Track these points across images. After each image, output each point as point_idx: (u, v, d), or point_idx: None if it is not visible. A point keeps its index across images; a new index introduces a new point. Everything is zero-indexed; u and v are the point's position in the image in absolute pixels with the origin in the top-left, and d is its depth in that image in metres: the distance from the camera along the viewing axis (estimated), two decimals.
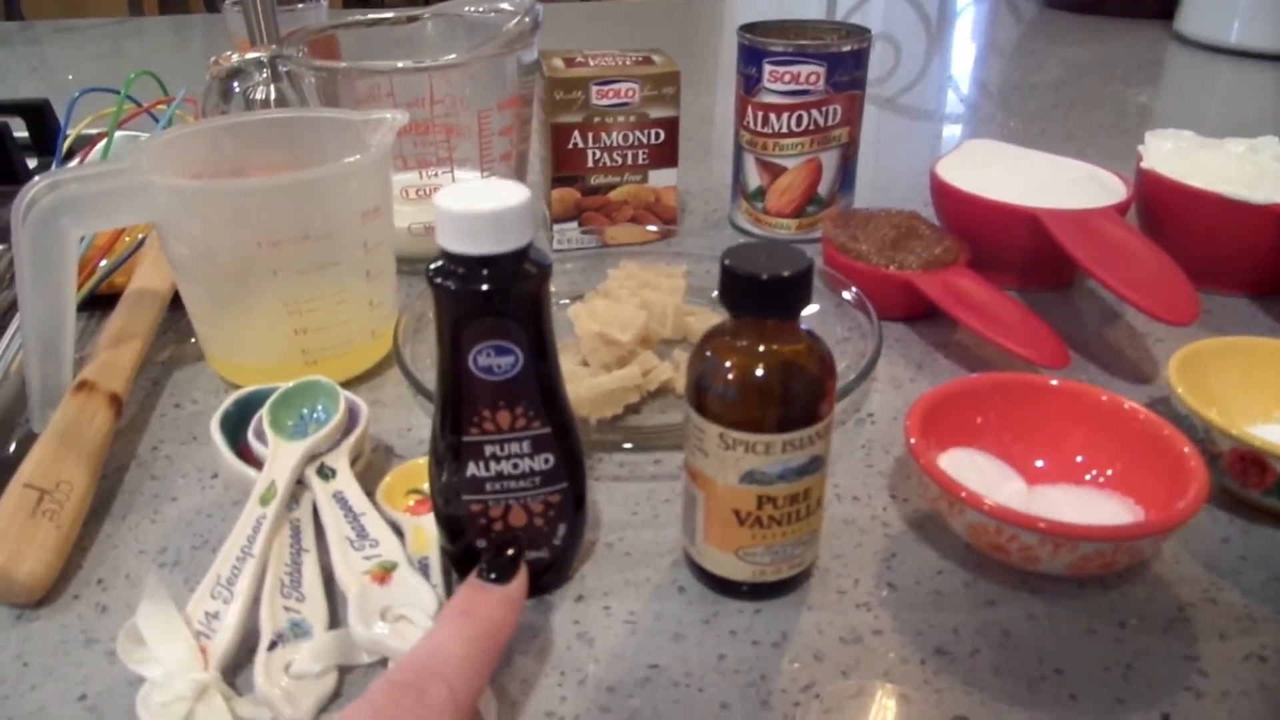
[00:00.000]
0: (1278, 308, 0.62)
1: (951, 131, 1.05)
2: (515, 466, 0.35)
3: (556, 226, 0.68)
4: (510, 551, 0.35)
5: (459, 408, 0.34)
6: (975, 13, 1.69)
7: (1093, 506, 0.41)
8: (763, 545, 0.37)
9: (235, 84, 0.61)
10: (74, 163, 0.64)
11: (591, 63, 0.65)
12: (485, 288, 0.32)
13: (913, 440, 0.40)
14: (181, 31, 1.50)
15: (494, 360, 0.33)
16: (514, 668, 0.36)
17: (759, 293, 0.33)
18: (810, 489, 0.36)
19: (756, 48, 0.66)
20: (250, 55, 0.60)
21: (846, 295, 0.57)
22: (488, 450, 0.35)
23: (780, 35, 0.67)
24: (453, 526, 0.37)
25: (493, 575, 0.34)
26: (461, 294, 0.32)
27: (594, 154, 0.66)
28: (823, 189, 0.70)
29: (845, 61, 0.66)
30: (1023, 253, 0.61)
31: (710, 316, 0.57)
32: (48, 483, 0.40)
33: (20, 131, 0.79)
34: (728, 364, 0.34)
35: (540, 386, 0.35)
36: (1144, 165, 0.64)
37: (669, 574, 0.40)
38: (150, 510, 0.44)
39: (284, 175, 0.48)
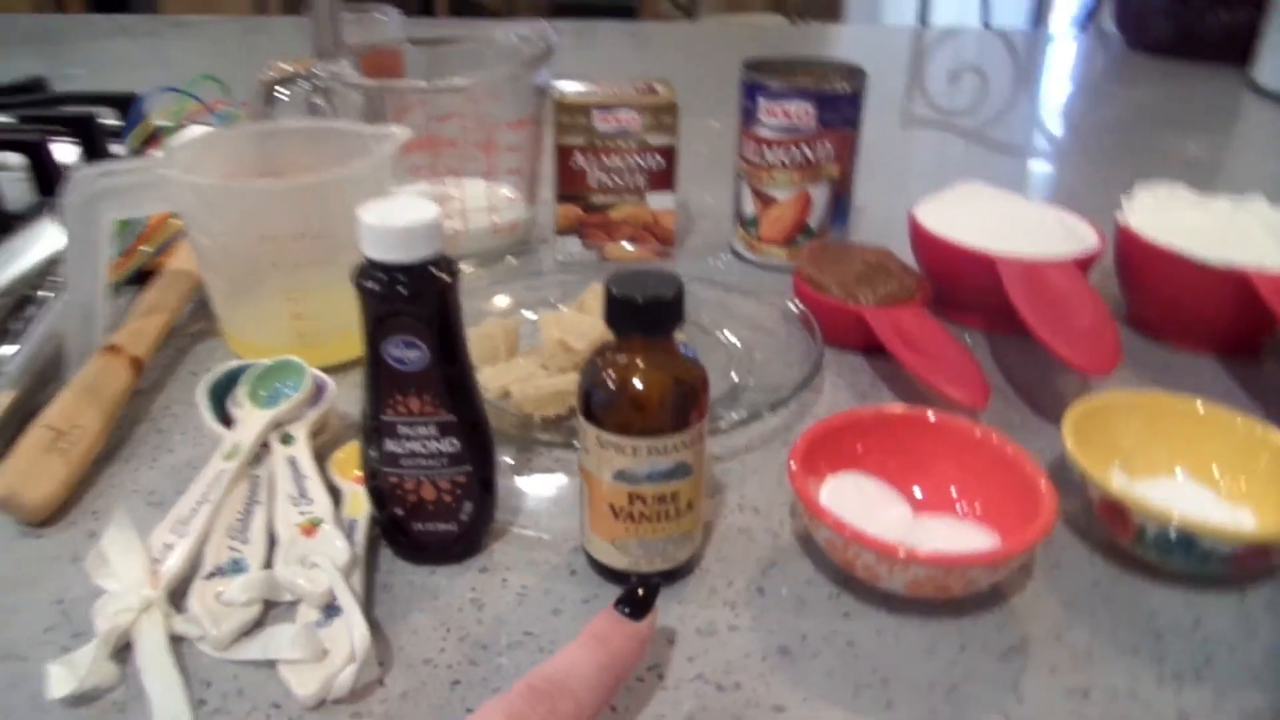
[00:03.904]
0: (1242, 370, 0.63)
1: (1003, 165, 1.07)
2: (424, 447, 0.41)
3: (559, 239, 0.74)
4: (642, 591, 0.38)
5: (378, 391, 0.41)
6: (1064, 48, 1.68)
7: (963, 537, 0.44)
8: (635, 539, 0.42)
9: (280, 92, 0.69)
10: (152, 152, 0.73)
11: (598, 90, 0.71)
12: (394, 290, 0.38)
13: (792, 463, 0.44)
14: (292, 33, 1.62)
15: (403, 353, 0.39)
16: (409, 620, 0.41)
17: (632, 313, 0.38)
18: (678, 492, 0.41)
19: (754, 83, 0.71)
20: (288, 69, 0.67)
21: (805, 323, 0.61)
22: (400, 430, 0.41)
23: (778, 73, 0.71)
24: (377, 496, 0.43)
25: (628, 610, 0.37)
26: (376, 294, 0.38)
27: (595, 175, 0.71)
28: (812, 221, 0.74)
29: (837, 101, 0.70)
30: (983, 296, 0.63)
31: (680, 333, 0.62)
32: (65, 425, 0.48)
33: (113, 119, 0.89)
34: (606, 374, 0.39)
35: (445, 378, 0.40)
36: (1120, 219, 0.66)
37: (567, 558, 0.45)
38: (150, 459, 0.51)
39: (284, 180, 0.55)
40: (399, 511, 0.43)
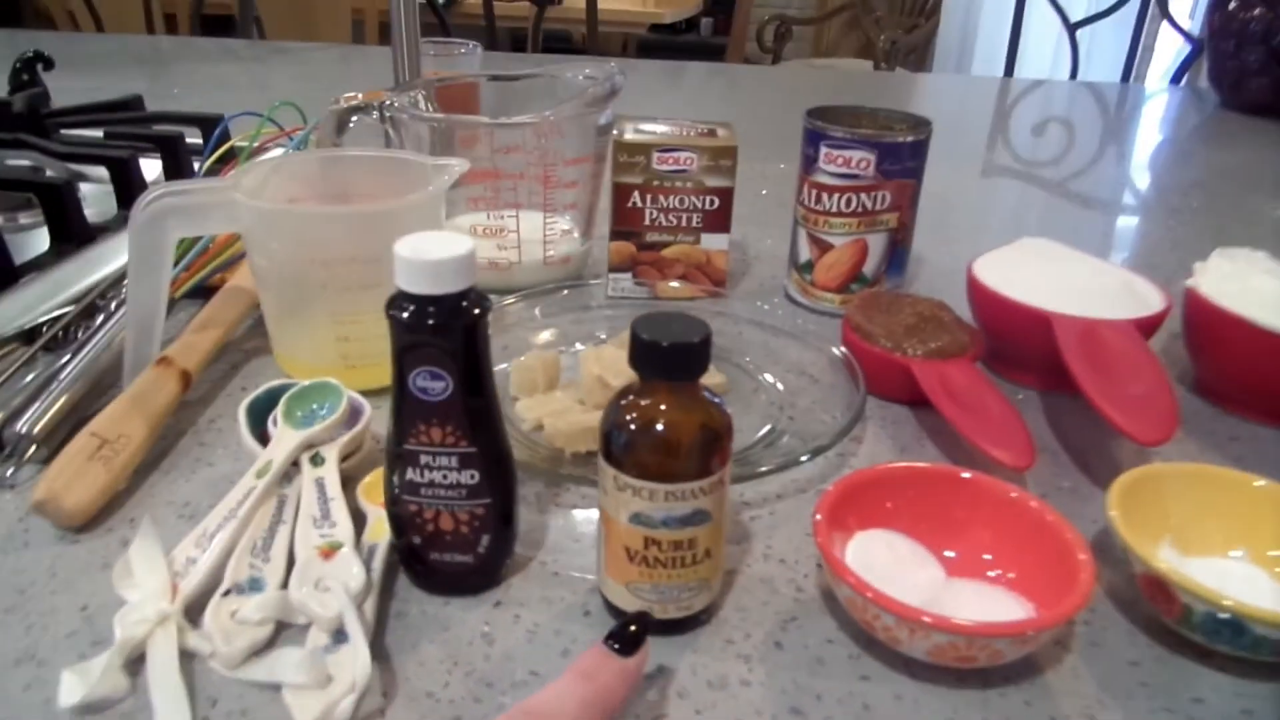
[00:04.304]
0: None
1: (1082, 219, 1.04)
2: (445, 477, 0.41)
3: (612, 275, 0.74)
4: (634, 627, 0.37)
5: (402, 420, 0.41)
6: (1155, 104, 1.64)
7: (994, 605, 0.43)
8: (650, 583, 0.41)
9: (352, 120, 0.71)
10: (230, 172, 0.75)
11: (659, 131, 0.71)
12: (422, 321, 0.39)
13: (818, 515, 0.43)
14: (385, 61, 1.67)
15: (428, 383, 0.40)
16: (418, 651, 0.41)
17: (657, 357, 0.38)
18: (696, 539, 0.40)
19: (816, 130, 0.70)
20: (359, 98, 0.69)
21: (850, 372, 0.60)
22: (422, 459, 0.41)
23: (842, 121, 0.70)
24: (396, 523, 0.43)
25: (617, 646, 0.36)
26: (405, 324, 0.39)
27: (651, 214, 0.72)
28: (868, 269, 0.72)
29: (898, 151, 0.69)
30: (1039, 354, 0.61)
31: (714, 374, 0.61)
32: (110, 433, 0.50)
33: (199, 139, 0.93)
34: (627, 416, 0.39)
35: (469, 411, 0.40)
36: (1189, 283, 0.63)
37: (582, 598, 0.45)
38: (189, 471, 0.52)
39: (338, 207, 0.56)
40: (416, 540, 0.43)
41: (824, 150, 0.70)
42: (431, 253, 0.38)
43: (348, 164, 0.64)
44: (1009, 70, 1.91)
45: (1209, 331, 0.62)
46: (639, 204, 0.71)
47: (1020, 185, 1.14)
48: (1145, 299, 0.63)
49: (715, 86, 1.62)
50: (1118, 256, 0.93)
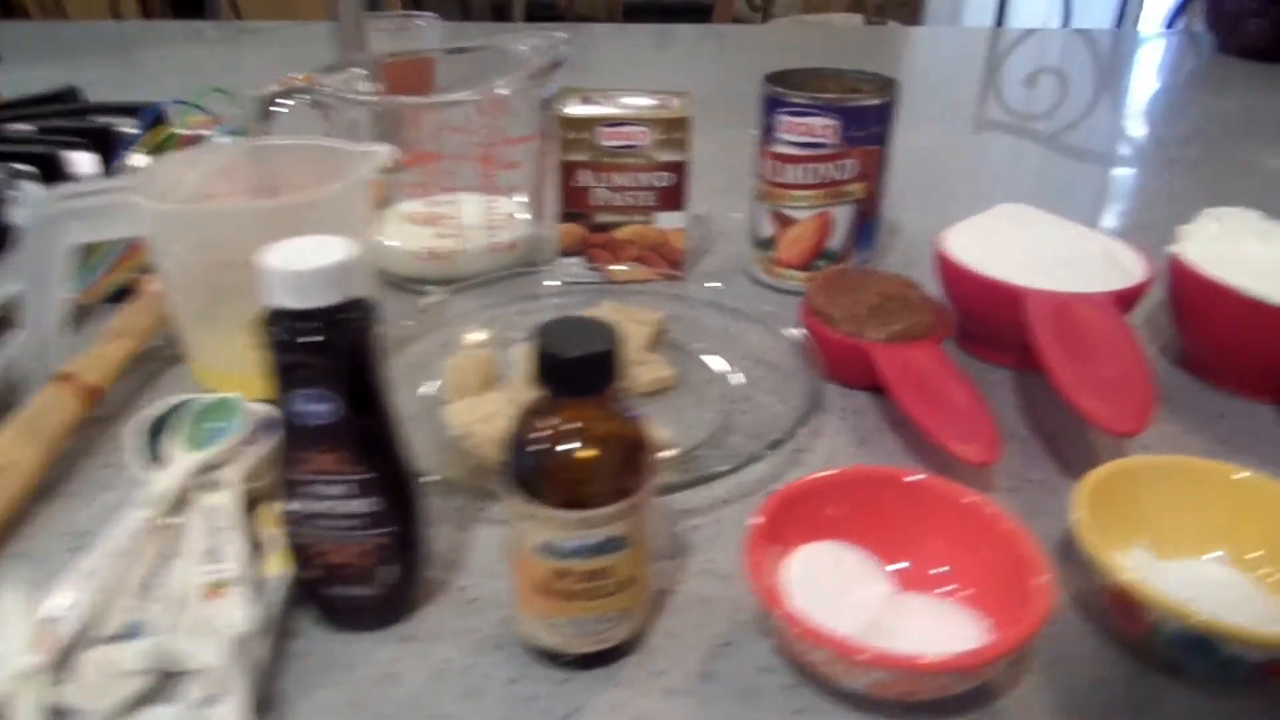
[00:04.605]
0: None
1: (1075, 173, 0.99)
2: (339, 506, 0.38)
3: (562, 260, 0.70)
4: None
5: (289, 446, 0.37)
6: (1150, 50, 1.57)
7: (946, 625, 0.39)
8: (565, 617, 0.37)
9: (281, 105, 0.66)
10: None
11: (606, 104, 0.66)
12: (298, 339, 0.35)
13: (750, 534, 0.39)
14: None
15: (310, 406, 0.36)
16: (316, 696, 0.38)
17: (561, 371, 0.34)
18: (612, 567, 0.36)
19: (774, 97, 0.66)
20: (297, 80, 0.65)
21: (808, 359, 0.56)
22: (313, 488, 0.37)
23: (801, 86, 0.66)
24: (294, 555, 0.40)
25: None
26: (277, 343, 0.35)
27: (600, 193, 0.67)
28: (834, 244, 0.68)
29: (863, 116, 0.64)
30: (1013, 332, 0.57)
31: (661, 368, 0.57)
32: None
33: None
34: (529, 437, 0.35)
35: (361, 434, 0.37)
36: (1173, 249, 0.59)
37: (497, 629, 0.41)
38: (89, 497, 0.49)
39: (241, 204, 0.52)
40: (314, 573, 0.40)
41: (783, 119, 0.65)
42: (302, 262, 0.34)
43: (273, 154, 0.60)
44: (999, 20, 1.84)
45: (1193, 301, 0.57)
46: (586, 183, 0.67)
47: (1013, 140, 1.08)
48: (1127, 268, 0.59)
49: (705, 49, 1.56)
50: (1112, 213, 0.88)
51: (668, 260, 0.70)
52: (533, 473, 0.35)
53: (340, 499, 0.37)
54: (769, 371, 0.59)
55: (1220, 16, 1.39)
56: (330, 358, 0.35)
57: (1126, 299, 0.55)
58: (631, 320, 0.61)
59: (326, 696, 0.38)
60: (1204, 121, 1.15)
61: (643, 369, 0.57)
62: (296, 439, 0.37)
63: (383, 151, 0.56)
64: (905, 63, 1.50)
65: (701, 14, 2.69)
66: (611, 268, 0.69)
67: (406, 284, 0.69)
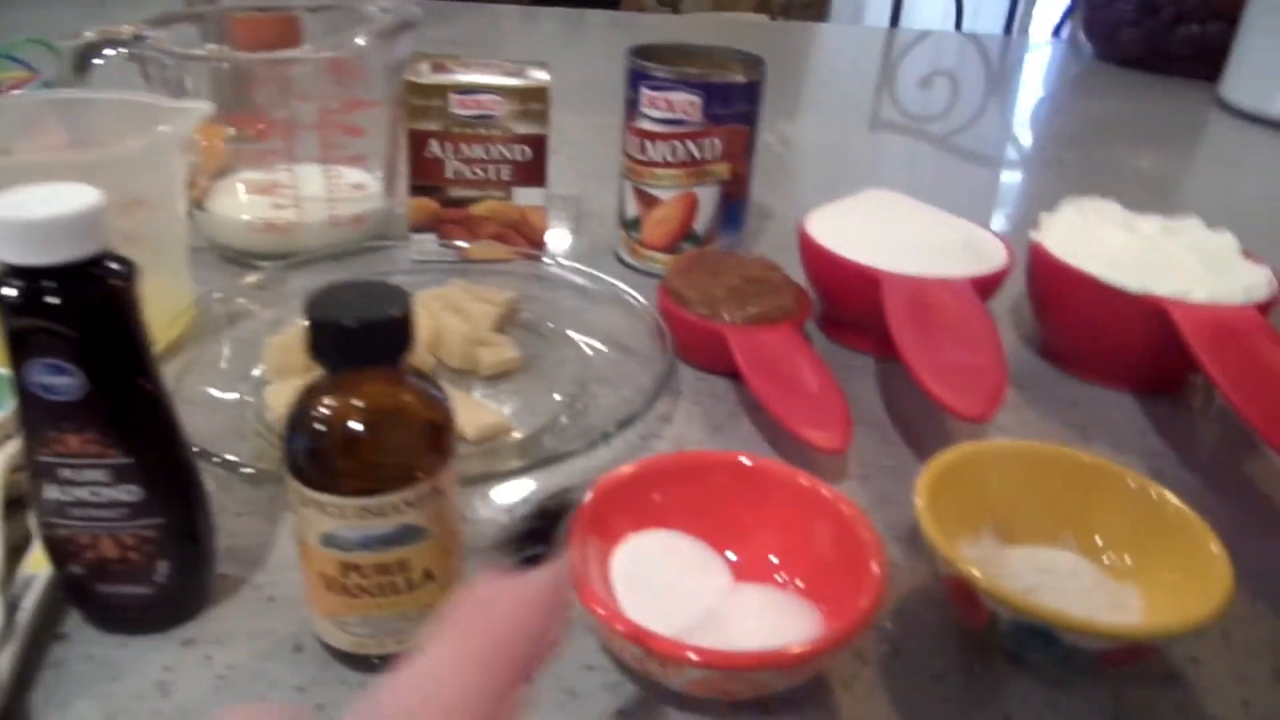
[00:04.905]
0: (1160, 407, 0.55)
1: (959, 172, 0.99)
2: (95, 494, 0.33)
3: (414, 236, 0.65)
4: (541, 521, 0.25)
5: (29, 424, 0.32)
6: (1037, 57, 1.60)
7: (781, 618, 0.36)
8: (357, 615, 0.33)
9: (99, 58, 0.60)
10: None
11: (460, 71, 0.62)
12: (33, 300, 0.30)
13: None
14: None
15: (50, 379, 0.31)
16: (69, 710, 0.33)
17: (340, 341, 0.30)
18: (408, 560, 0.33)
19: (637, 70, 0.63)
20: (123, 31, 0.59)
21: (661, 343, 0.53)
22: (62, 473, 0.33)
23: (665, 60, 0.63)
24: (50, 549, 0.35)
25: (523, 554, 0.24)
26: (9, 305, 0.30)
27: (453, 165, 0.63)
28: (699, 226, 0.65)
29: (727, 93, 0.62)
30: (873, 317, 0.55)
31: (508, 350, 0.54)
32: None
33: None
34: (308, 416, 0.31)
35: (114, 412, 0.32)
36: (1033, 235, 0.58)
37: (296, 628, 0.37)
38: None
39: (30, 158, 0.46)
40: (78, 570, 0.35)
41: (645, 93, 0.62)
42: (35, 210, 0.29)
43: (81, 109, 0.54)
44: (894, 20, 1.86)
45: (1050, 287, 0.57)
46: (438, 154, 0.63)
47: (908, 141, 1.08)
48: (989, 255, 0.58)
49: (615, 37, 1.53)
50: (991, 210, 0.88)
51: (528, 239, 0.66)
52: (308, 456, 0.31)
53: (96, 486, 0.33)
54: (624, 355, 0.56)
55: (1097, 25, 1.42)
56: (70, 324, 0.30)
57: (986, 285, 0.54)
58: (480, 300, 0.57)
59: (81, 710, 0.33)
60: (1082, 125, 1.18)
61: (488, 350, 0.53)
62: (38, 416, 0.32)
63: (199, 107, 0.51)
64: (809, 60, 1.50)
65: (611, 4, 2.66)
66: (466, 245, 0.65)
67: (243, 258, 0.64)
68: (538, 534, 0.25)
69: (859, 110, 1.19)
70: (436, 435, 0.32)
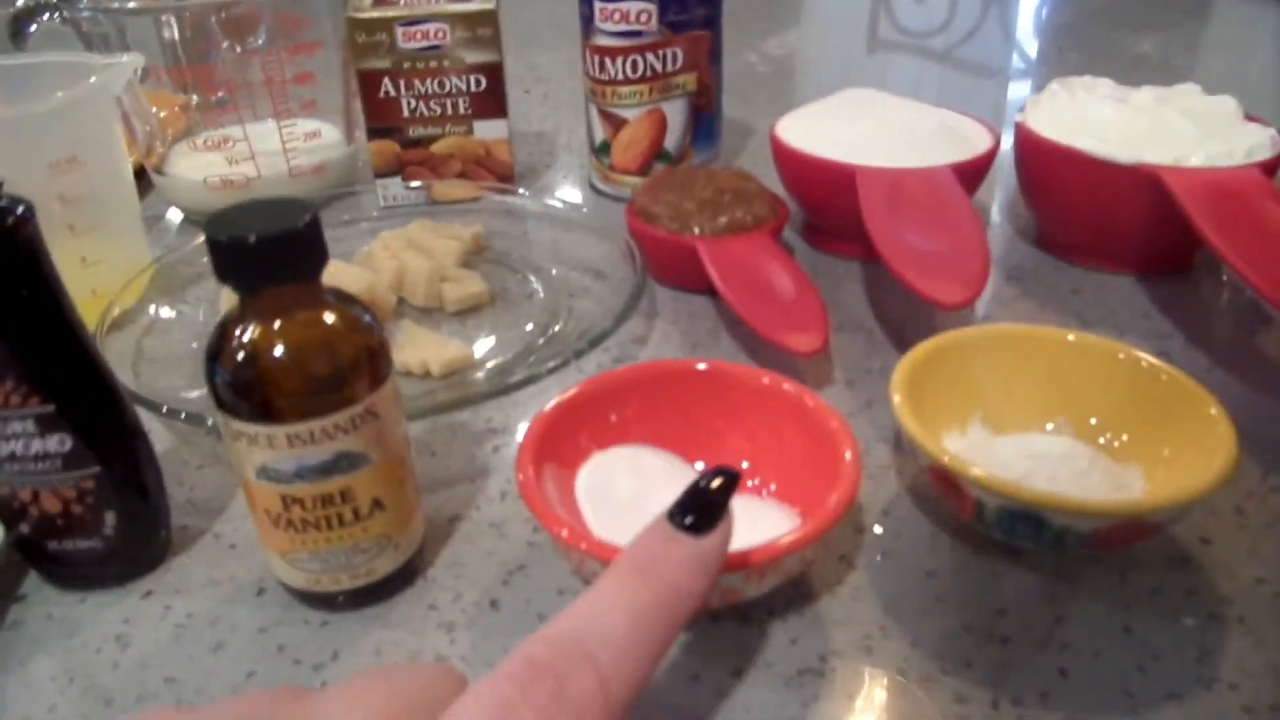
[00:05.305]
0: (1166, 289, 0.52)
1: (953, 79, 0.95)
2: (27, 447, 0.32)
3: (379, 181, 0.63)
4: (716, 483, 0.25)
5: None
6: None
7: (757, 523, 0.34)
8: (306, 551, 0.32)
9: (30, 25, 0.59)
10: None
11: (403, 2, 0.60)
12: None
13: (524, 440, 0.34)
14: None
15: None
16: (27, 668, 0.32)
17: (243, 259, 0.28)
18: (351, 489, 0.31)
19: None
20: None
21: (631, 263, 0.51)
22: None
23: None
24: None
25: (688, 520, 0.24)
26: None
27: (409, 103, 0.61)
28: (670, 143, 0.63)
29: None
30: (852, 218, 0.52)
31: (474, 283, 0.52)
32: None
33: None
34: (228, 345, 0.30)
35: (28, 359, 0.31)
36: (1018, 118, 0.55)
37: (259, 573, 0.36)
38: None
39: None
40: (24, 529, 0.34)
41: (598, 5, 0.59)
42: None
43: (18, 75, 0.52)
44: None
45: (1039, 169, 0.54)
46: (391, 92, 0.60)
47: (906, 58, 1.04)
48: (973, 143, 0.55)
49: None
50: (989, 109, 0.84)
51: (495, 174, 0.64)
52: (230, 387, 0.29)
53: (25, 438, 0.31)
54: (597, 281, 0.54)
55: None
56: None
57: (968, 171, 0.51)
58: (443, 236, 0.55)
59: (39, 667, 0.32)
60: (1083, 15, 1.13)
61: (453, 285, 0.51)
62: None
63: (127, 60, 0.49)
64: None
65: None
66: (435, 186, 0.63)
67: (206, 219, 0.62)
68: (704, 503, 0.25)
69: (855, 27, 1.14)
70: (367, 357, 0.30)
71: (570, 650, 0.21)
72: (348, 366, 0.30)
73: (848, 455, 0.32)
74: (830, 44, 1.08)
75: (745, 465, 0.36)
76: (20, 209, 0.30)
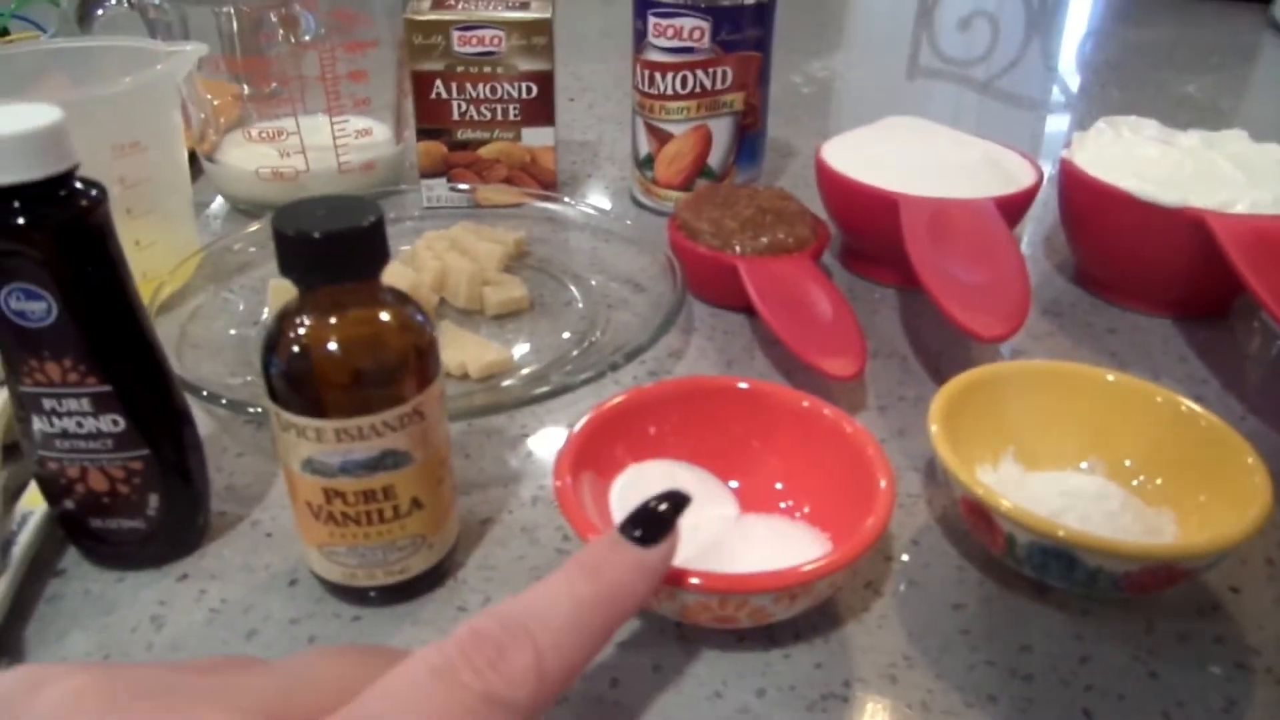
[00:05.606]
0: (1202, 333, 0.52)
1: (997, 111, 0.95)
2: (80, 425, 0.32)
3: (424, 182, 0.64)
4: (664, 506, 0.28)
5: (10, 355, 0.32)
6: None
7: (789, 546, 0.35)
8: (344, 545, 0.32)
9: (98, 9, 0.60)
10: None
11: (462, 7, 0.61)
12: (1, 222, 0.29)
13: (563, 448, 0.34)
14: None
15: (25, 305, 0.30)
16: (64, 643, 0.33)
17: (307, 254, 0.29)
18: (393, 487, 0.32)
19: None
20: None
21: (671, 277, 0.52)
22: (46, 404, 0.32)
23: None
24: (42, 484, 0.35)
25: (636, 533, 0.27)
26: None
27: (459, 106, 0.62)
28: (714, 160, 0.63)
29: (736, 18, 0.59)
30: (893, 245, 0.53)
31: (514, 288, 0.53)
32: None
33: None
34: (285, 337, 0.30)
35: (92, 338, 0.31)
36: (1064, 153, 0.55)
37: (293, 564, 0.36)
38: None
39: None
40: (70, 505, 0.34)
41: (652, 21, 0.60)
42: None
43: (83, 58, 0.53)
44: None
45: (1082, 206, 0.54)
46: (443, 94, 0.61)
47: (946, 85, 1.04)
48: (1016, 176, 0.55)
49: None
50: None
51: (539, 181, 0.65)
52: (284, 379, 0.30)
53: (79, 416, 0.32)
54: (636, 293, 0.54)
55: None
56: (38, 245, 0.30)
57: (1011, 205, 0.52)
58: (486, 240, 0.56)
59: (76, 643, 0.33)
60: (1127, 55, 1.12)
61: (494, 289, 0.52)
62: (16, 345, 0.31)
63: (191, 49, 0.50)
64: (849, 6, 1.45)
65: None
66: (480, 190, 0.64)
67: (254, 209, 0.64)
68: (652, 520, 0.27)
69: (897, 52, 1.15)
70: (418, 357, 0.31)
71: (513, 626, 0.23)
72: (399, 365, 0.30)
73: (883, 483, 0.33)
74: (872, 68, 1.09)
75: (779, 486, 0.36)
76: (94, 192, 0.30)
